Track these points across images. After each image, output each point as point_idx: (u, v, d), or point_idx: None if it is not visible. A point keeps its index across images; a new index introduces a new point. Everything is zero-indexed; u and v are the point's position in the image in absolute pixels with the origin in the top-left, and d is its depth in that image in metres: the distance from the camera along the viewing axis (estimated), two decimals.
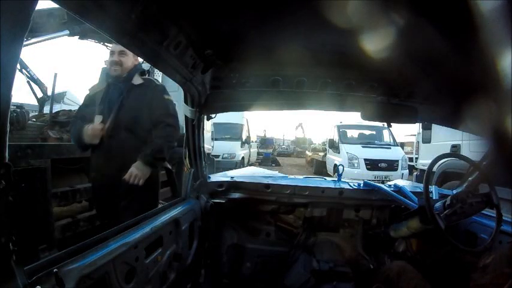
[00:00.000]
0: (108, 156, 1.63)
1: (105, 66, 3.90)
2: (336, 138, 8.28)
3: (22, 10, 0.44)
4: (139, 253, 0.98)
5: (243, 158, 9.10)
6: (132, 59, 1.70)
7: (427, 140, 4.97)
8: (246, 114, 9.17)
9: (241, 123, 9.29)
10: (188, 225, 1.40)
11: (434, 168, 3.21)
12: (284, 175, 2.25)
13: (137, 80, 1.71)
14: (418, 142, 5.42)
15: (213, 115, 1.65)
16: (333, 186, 1.77)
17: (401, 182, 1.91)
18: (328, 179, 2.12)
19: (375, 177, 6.56)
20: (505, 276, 0.79)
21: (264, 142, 19.15)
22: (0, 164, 0.45)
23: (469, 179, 1.64)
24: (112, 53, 1.68)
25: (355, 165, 7.11)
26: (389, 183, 1.95)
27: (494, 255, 0.96)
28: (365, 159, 7.09)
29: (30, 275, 0.58)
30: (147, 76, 1.85)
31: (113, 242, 0.87)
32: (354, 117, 8.15)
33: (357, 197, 1.73)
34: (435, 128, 4.67)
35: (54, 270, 0.64)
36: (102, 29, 0.76)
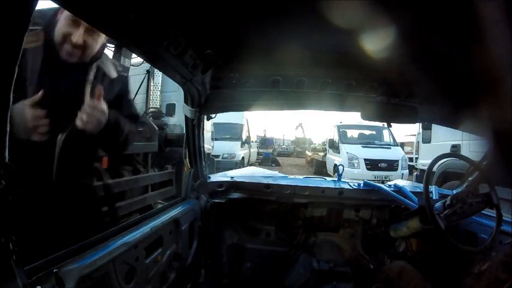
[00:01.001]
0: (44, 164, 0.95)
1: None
2: (336, 138, 8.27)
3: (22, 10, 0.44)
4: (139, 253, 0.98)
5: (243, 158, 9.09)
6: (102, 39, 1.05)
7: (427, 140, 4.97)
8: (246, 114, 9.17)
9: (241, 123, 9.28)
10: (188, 225, 1.40)
11: (434, 168, 3.21)
12: (284, 175, 2.25)
13: (111, 68, 1.12)
14: (418, 142, 5.42)
15: (213, 115, 1.65)
16: (333, 186, 1.77)
17: (401, 182, 1.91)
18: (328, 179, 2.12)
19: (375, 177, 6.56)
20: (501, 283, 0.79)
21: (264, 142, 19.13)
22: (0, 164, 0.45)
23: (469, 179, 1.64)
24: (70, 24, 0.97)
25: (355, 165, 7.11)
26: (389, 183, 1.95)
27: (490, 261, 0.95)
28: (365, 159, 7.09)
29: (30, 275, 0.58)
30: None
31: (113, 242, 0.87)
32: (354, 117, 8.15)
33: (357, 197, 1.74)
34: (435, 128, 4.67)
35: (54, 270, 0.64)
36: (102, 29, 0.76)
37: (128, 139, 1.15)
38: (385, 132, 8.18)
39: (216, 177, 1.83)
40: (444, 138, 4.32)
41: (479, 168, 1.54)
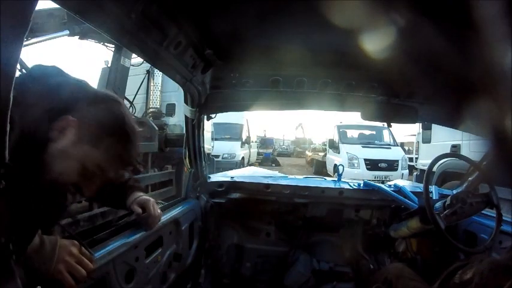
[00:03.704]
0: None
1: (105, 66, 3.69)
2: (336, 138, 8.27)
3: (22, 10, 0.44)
4: (139, 253, 0.98)
5: (243, 158, 9.09)
6: None
7: (427, 140, 4.97)
8: (246, 114, 9.17)
9: (241, 123, 9.27)
10: (188, 225, 1.40)
11: (434, 168, 3.21)
12: (284, 175, 2.25)
13: None
14: (418, 142, 5.42)
15: (213, 115, 1.65)
16: (333, 186, 1.77)
17: (401, 182, 1.91)
18: (328, 179, 2.12)
19: (375, 177, 6.56)
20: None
21: (264, 142, 19.12)
22: (0, 164, 0.45)
23: (469, 179, 1.64)
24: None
25: (355, 165, 7.10)
26: (389, 183, 1.95)
27: (473, 269, 0.91)
28: (365, 159, 7.09)
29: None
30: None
31: (113, 242, 0.87)
32: (354, 117, 8.14)
33: (357, 197, 1.73)
34: (435, 128, 4.67)
35: None
36: (102, 29, 0.76)
37: None
38: (385, 132, 8.18)
39: (216, 177, 1.83)
40: (444, 138, 4.32)
41: (479, 168, 1.54)
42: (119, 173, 0.72)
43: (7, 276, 0.48)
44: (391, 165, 7.09)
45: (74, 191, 0.67)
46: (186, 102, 1.48)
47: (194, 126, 1.55)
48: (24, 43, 0.47)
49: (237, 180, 1.77)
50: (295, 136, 25.63)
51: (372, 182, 1.83)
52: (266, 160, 14.22)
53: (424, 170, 2.89)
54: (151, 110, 4.46)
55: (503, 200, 1.62)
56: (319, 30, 0.99)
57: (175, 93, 4.32)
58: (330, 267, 1.72)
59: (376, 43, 0.92)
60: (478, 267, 0.87)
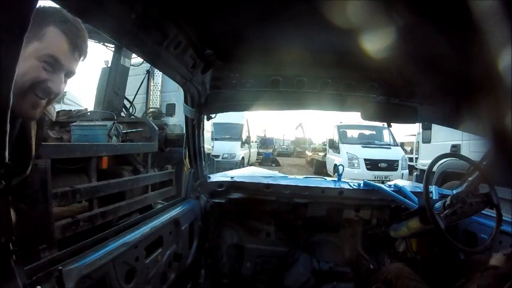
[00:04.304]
0: None
1: (105, 66, 3.69)
2: (336, 138, 8.27)
3: (22, 10, 0.44)
4: (139, 253, 0.98)
5: (243, 158, 9.09)
6: None
7: (427, 140, 4.97)
8: (246, 114, 9.17)
9: (241, 123, 9.27)
10: (188, 225, 1.40)
11: (434, 168, 3.21)
12: (284, 175, 2.25)
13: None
14: (418, 142, 5.42)
15: (213, 115, 1.65)
16: (333, 186, 1.77)
17: (401, 182, 1.90)
18: (328, 179, 2.12)
19: (375, 177, 6.55)
20: None
21: (264, 142, 19.11)
22: (0, 164, 0.45)
23: (469, 179, 1.64)
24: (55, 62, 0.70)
25: (355, 165, 7.10)
26: (389, 183, 1.94)
27: (477, 283, 0.90)
28: (365, 159, 7.08)
29: (30, 275, 0.58)
30: None
31: (113, 242, 0.87)
32: (354, 117, 8.14)
33: (357, 197, 1.73)
34: (435, 128, 4.66)
35: (54, 270, 0.64)
36: (102, 29, 0.76)
37: None
38: (385, 132, 8.18)
39: (216, 177, 1.83)
40: (444, 138, 4.32)
41: (479, 168, 1.54)
42: (75, 60, 0.77)
43: (7, 276, 0.48)
44: (391, 165, 7.09)
45: (43, 90, 0.69)
46: (186, 102, 1.49)
47: (194, 126, 1.55)
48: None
49: (237, 180, 1.77)
50: (295, 136, 25.59)
51: (372, 182, 1.82)
52: (266, 160, 14.21)
53: (424, 170, 2.89)
54: (151, 110, 4.46)
55: (503, 200, 1.62)
56: (319, 30, 0.99)
57: (175, 93, 4.32)
58: (330, 267, 1.72)
59: (376, 43, 0.92)
60: (481, 281, 0.87)
